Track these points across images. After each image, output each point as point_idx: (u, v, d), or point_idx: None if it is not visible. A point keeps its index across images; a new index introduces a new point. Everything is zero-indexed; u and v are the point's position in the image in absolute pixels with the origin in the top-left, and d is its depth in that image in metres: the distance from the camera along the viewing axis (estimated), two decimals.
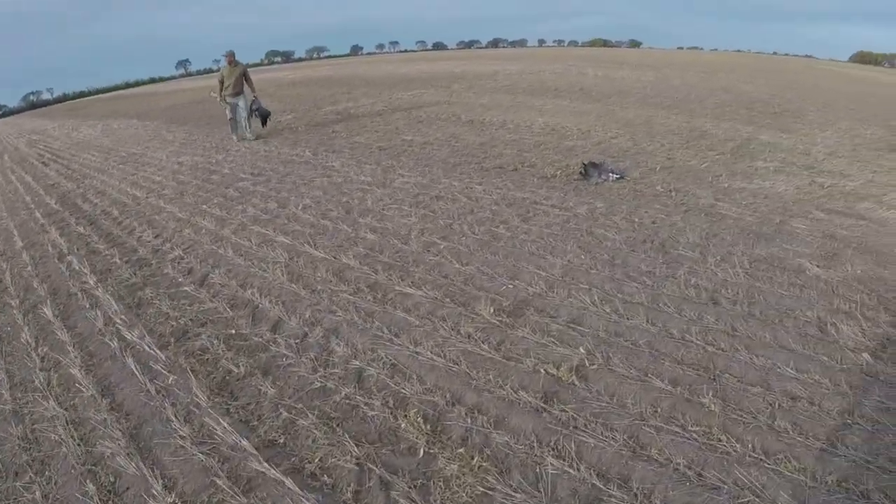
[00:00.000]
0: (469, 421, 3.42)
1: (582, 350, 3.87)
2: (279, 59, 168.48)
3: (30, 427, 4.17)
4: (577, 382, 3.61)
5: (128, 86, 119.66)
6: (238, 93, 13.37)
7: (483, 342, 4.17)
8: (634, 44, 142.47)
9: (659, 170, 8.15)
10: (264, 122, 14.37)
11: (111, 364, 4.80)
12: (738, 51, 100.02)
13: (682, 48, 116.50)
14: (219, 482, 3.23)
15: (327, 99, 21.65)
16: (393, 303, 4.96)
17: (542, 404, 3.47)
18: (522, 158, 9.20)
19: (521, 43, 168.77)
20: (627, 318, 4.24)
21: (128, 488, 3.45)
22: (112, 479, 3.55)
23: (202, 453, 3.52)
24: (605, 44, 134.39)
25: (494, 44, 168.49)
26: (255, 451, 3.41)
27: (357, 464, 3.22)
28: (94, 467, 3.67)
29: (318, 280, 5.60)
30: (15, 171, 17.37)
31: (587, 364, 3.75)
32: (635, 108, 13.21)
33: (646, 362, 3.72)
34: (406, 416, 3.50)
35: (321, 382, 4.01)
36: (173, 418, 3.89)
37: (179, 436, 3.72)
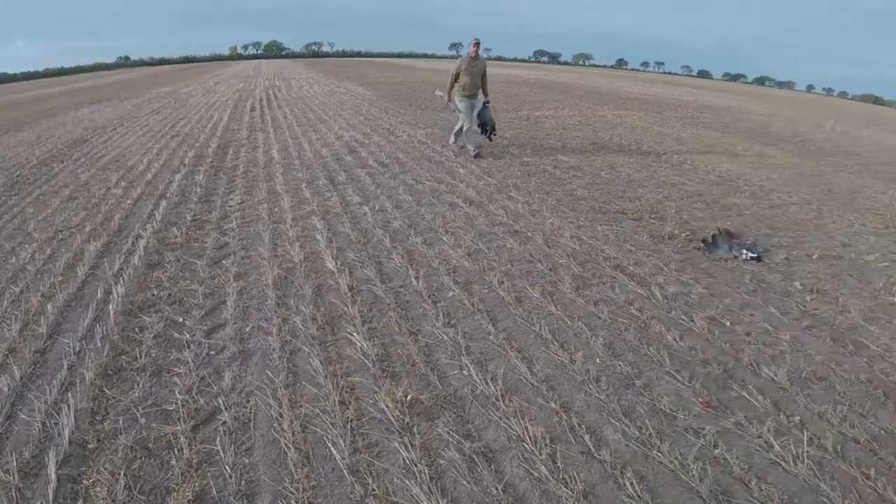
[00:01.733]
0: None
1: None
2: (546, 58, 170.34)
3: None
4: None
5: (400, 56, 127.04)
6: (474, 94, 10.17)
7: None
8: None
9: (817, 258, 6.08)
10: (487, 133, 10.89)
11: None
12: None
13: None
14: None
15: (533, 103, 20.65)
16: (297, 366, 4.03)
17: None
18: (659, 208, 7.50)
19: (789, 85, 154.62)
20: None
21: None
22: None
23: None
24: (876, 100, 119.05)
25: (761, 81, 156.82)
26: None
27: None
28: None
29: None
30: (217, 113, 18.37)
31: None
32: (850, 174, 10.59)
33: None
34: None
35: None
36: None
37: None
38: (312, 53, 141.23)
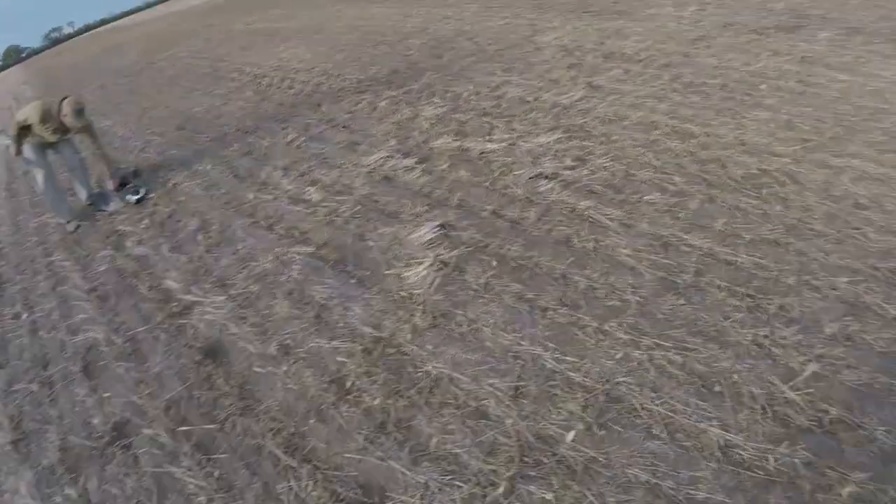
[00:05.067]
0: None
1: None
2: None
3: None
4: None
5: (148, 6, 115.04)
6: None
7: None
8: None
9: (211, 169, 6.40)
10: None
11: None
12: None
13: None
14: None
15: None
16: None
17: None
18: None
19: None
20: None
21: None
22: None
23: None
24: None
25: None
26: None
27: None
28: None
29: None
30: None
31: None
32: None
33: None
34: None
35: None
36: None
37: None
38: (54, 42, 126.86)
